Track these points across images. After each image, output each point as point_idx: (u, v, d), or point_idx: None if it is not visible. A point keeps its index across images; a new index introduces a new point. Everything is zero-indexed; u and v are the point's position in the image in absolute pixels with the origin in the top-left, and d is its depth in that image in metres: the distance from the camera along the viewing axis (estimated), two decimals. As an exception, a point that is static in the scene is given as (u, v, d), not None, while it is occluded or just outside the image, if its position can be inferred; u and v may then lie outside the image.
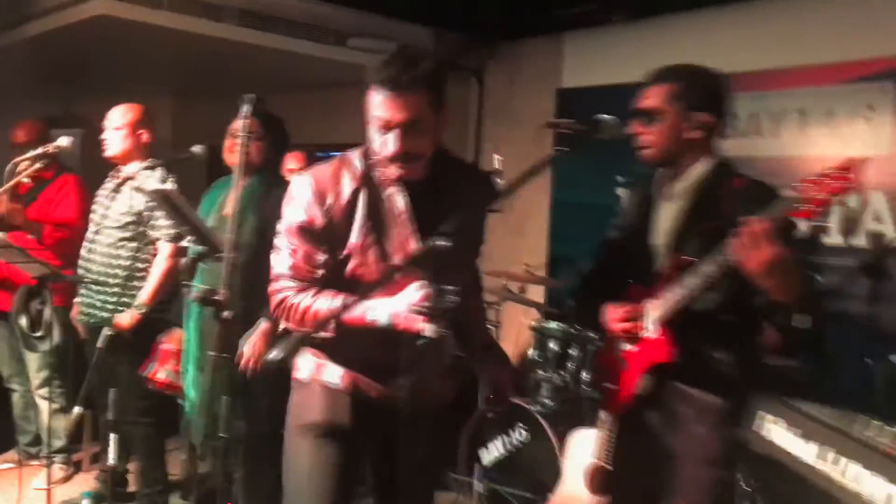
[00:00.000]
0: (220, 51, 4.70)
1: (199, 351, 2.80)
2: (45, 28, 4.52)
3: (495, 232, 5.20)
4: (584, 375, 3.21)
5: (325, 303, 1.76)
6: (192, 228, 2.24)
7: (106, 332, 2.77)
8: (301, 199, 1.79)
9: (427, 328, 1.62)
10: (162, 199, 2.24)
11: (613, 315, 1.91)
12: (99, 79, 6.23)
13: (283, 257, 1.82)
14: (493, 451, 3.23)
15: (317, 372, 1.90)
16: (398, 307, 1.70)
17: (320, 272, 1.80)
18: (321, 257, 1.79)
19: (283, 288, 1.82)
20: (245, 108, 2.15)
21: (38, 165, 3.09)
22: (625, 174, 4.58)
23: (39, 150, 3.09)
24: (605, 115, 1.77)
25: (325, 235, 1.78)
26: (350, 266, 1.79)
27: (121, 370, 2.98)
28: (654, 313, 1.85)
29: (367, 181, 1.80)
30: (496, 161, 3.96)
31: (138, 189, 2.59)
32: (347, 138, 2.83)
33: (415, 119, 1.69)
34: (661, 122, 1.92)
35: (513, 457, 3.18)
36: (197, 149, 2.64)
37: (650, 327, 1.86)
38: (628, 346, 1.92)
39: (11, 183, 3.02)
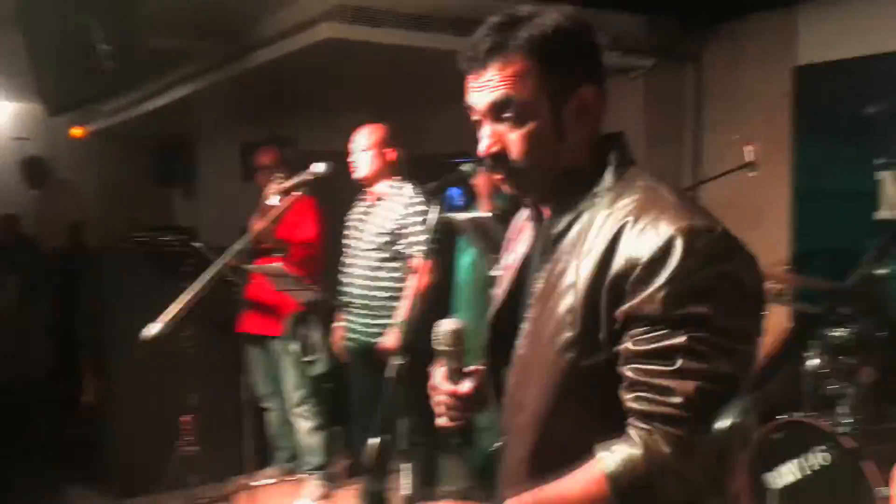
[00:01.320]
0: (428, 62, 4.68)
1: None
2: (272, 56, 4.68)
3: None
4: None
5: None
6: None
7: (395, 361, 2.74)
8: None
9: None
10: (475, 226, 2.17)
11: None
12: (305, 100, 6.47)
13: None
14: (785, 476, 2.94)
15: None
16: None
17: None
18: None
19: None
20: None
21: (299, 192, 3.14)
22: (886, 154, 4.10)
23: (300, 178, 3.14)
24: None
25: None
26: None
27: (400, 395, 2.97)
28: None
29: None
30: (747, 153, 3.63)
31: (445, 216, 2.54)
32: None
33: (503, 99, 1.14)
34: None
35: (810, 482, 2.87)
36: (469, 167, 2.55)
37: None
38: None
39: (279, 210, 3.09)
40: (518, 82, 1.14)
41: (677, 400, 1.02)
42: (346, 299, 3.26)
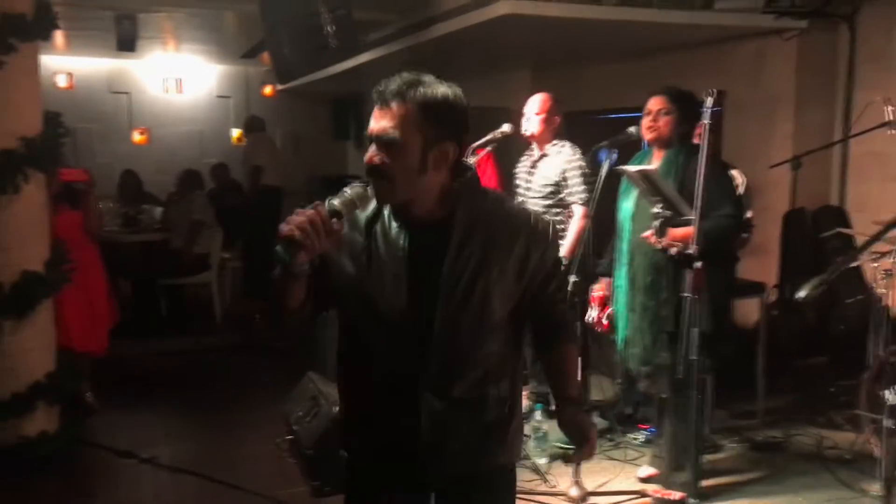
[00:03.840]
0: (588, 29, 5.17)
1: (629, 294, 3.37)
2: (450, 29, 5.36)
3: (869, 179, 5.17)
4: None
5: None
6: (664, 198, 2.77)
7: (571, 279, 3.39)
8: None
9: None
10: (641, 177, 2.79)
11: None
12: (469, 63, 7.12)
13: None
14: (898, 395, 3.39)
15: None
16: None
17: None
18: None
19: None
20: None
21: (488, 148, 3.87)
22: None
23: (490, 136, 3.86)
24: None
25: None
26: None
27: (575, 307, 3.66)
28: None
29: None
30: (887, 112, 3.97)
31: (619, 169, 3.16)
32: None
33: (390, 132, 1.56)
34: None
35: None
36: (633, 129, 3.17)
37: None
38: None
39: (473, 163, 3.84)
40: (404, 123, 1.54)
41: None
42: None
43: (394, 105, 1.55)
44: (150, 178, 8.01)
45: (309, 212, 1.50)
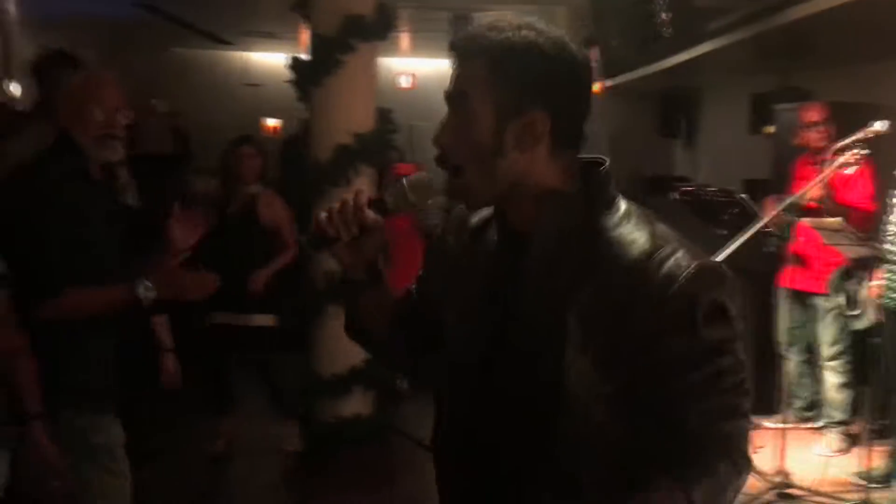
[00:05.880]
0: None
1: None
2: (817, 9, 4.58)
3: None
4: None
5: None
6: None
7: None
8: None
9: None
10: None
11: None
12: (825, 53, 6.11)
13: None
14: None
15: None
16: None
17: None
18: None
19: None
20: None
21: (855, 150, 3.15)
22: None
23: (857, 136, 3.15)
24: None
25: None
26: None
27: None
28: None
29: None
30: None
31: None
32: None
33: (452, 94, 1.11)
34: None
35: None
36: None
37: None
38: None
39: (832, 168, 3.16)
40: (468, 81, 1.10)
41: None
42: (890, 257, 3.20)
43: (461, 60, 1.11)
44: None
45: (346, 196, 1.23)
